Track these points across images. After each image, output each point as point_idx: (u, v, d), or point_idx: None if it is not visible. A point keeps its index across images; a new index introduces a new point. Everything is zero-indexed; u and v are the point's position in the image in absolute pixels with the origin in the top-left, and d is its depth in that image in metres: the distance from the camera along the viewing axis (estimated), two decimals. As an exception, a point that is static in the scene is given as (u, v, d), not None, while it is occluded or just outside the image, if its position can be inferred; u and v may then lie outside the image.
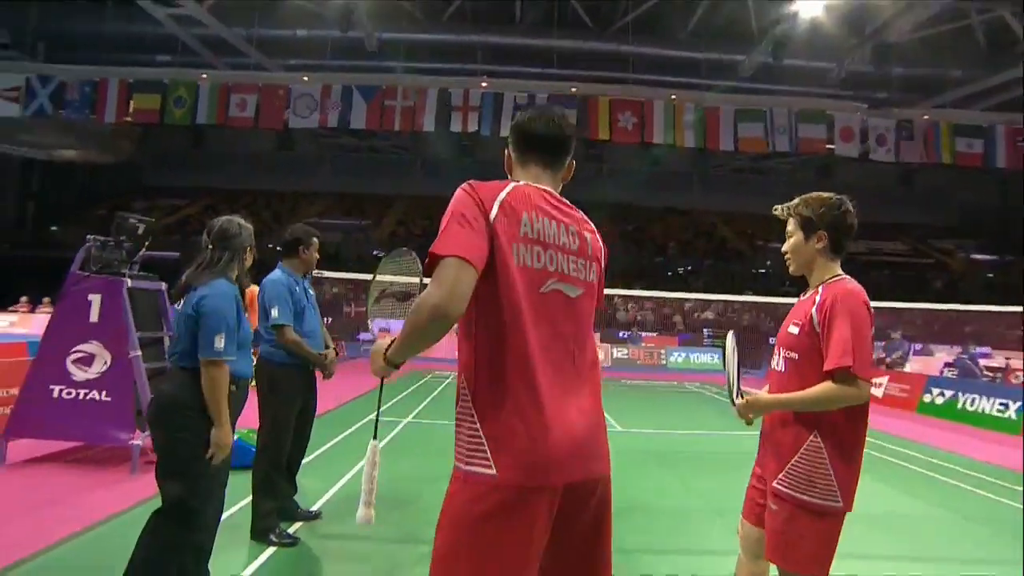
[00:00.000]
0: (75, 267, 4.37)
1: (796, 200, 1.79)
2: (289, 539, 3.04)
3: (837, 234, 1.72)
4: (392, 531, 3.37)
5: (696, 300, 18.85)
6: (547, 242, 1.24)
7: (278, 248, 3.40)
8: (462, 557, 1.09)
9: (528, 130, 1.35)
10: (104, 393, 4.20)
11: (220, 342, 2.05)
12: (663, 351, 16.37)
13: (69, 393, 4.21)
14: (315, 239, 3.34)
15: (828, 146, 15.76)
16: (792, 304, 1.86)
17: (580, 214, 1.35)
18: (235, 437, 2.21)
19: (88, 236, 4.49)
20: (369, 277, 2.11)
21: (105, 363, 4.26)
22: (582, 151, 26.41)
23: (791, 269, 1.82)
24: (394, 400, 8.07)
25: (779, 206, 1.81)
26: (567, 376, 1.21)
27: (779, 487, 1.66)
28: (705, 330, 18.06)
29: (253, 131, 15.47)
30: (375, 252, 23.90)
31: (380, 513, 2.88)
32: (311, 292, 3.38)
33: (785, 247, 1.81)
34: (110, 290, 4.32)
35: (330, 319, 15.09)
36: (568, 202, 1.34)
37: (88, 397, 4.21)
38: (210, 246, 2.27)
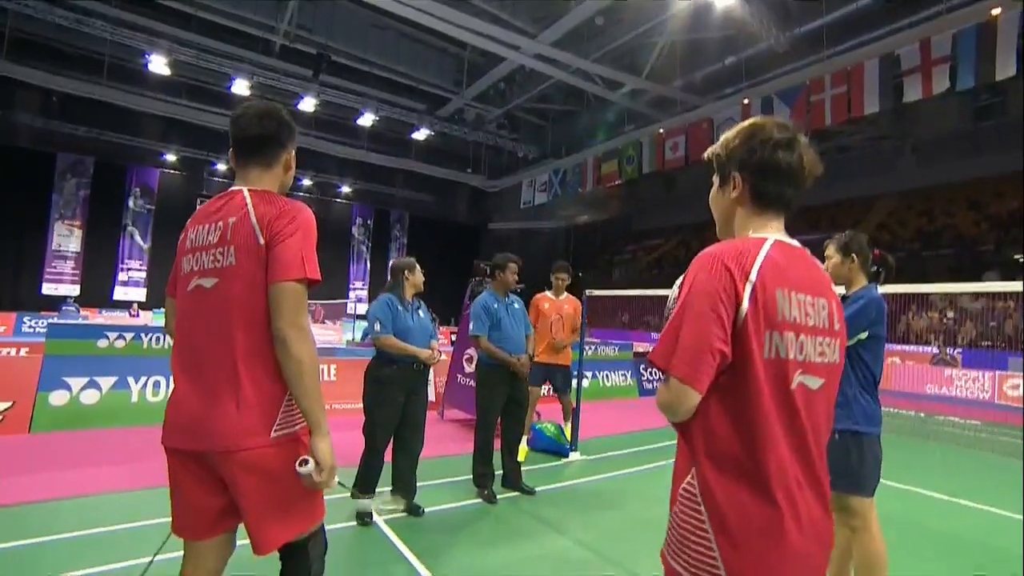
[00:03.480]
0: (466, 298, 6.72)
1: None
2: (492, 498, 3.92)
3: (756, 176, 1.16)
4: (584, 531, 3.72)
5: None
6: (196, 246, 1.48)
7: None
8: None
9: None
10: (471, 380, 6.25)
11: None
12: None
13: (464, 380, 6.49)
14: (512, 264, 4.10)
15: None
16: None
17: (240, 203, 1.46)
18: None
19: (471, 278, 6.84)
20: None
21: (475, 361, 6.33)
22: None
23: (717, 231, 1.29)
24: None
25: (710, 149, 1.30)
26: (191, 361, 1.45)
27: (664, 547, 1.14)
28: None
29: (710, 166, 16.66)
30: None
31: (579, 515, 3.79)
32: (515, 307, 4.18)
33: None
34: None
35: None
36: (245, 193, 1.47)
37: (468, 384, 6.36)
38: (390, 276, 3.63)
